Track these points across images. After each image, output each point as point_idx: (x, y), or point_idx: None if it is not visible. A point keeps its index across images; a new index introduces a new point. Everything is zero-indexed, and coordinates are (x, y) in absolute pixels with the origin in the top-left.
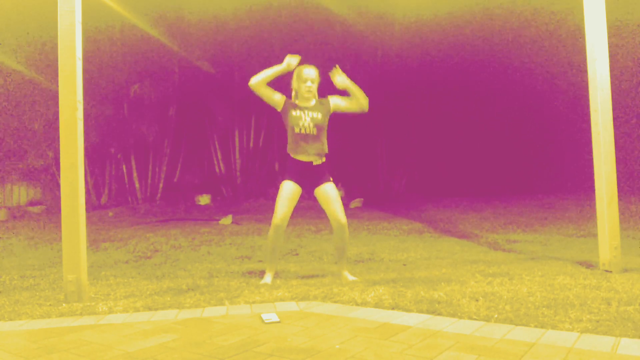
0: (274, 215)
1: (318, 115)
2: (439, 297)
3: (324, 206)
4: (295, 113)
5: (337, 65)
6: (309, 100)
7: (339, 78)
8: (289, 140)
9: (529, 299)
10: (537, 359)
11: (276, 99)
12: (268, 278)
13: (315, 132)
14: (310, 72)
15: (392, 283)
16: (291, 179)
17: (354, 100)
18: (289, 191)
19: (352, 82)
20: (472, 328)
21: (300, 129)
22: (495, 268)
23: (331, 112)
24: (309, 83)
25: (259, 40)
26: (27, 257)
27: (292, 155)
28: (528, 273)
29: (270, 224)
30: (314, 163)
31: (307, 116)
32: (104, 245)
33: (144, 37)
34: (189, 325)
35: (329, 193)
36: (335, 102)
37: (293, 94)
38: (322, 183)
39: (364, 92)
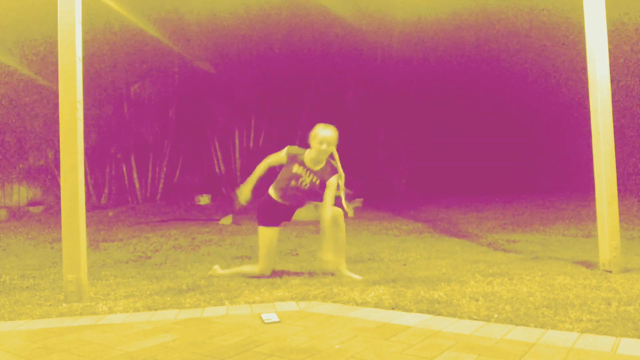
0: (260, 263)
1: (317, 181)
2: (439, 297)
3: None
4: (297, 169)
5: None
6: (320, 164)
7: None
8: (279, 184)
9: (529, 299)
10: (537, 359)
11: (280, 158)
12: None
13: (307, 189)
14: (328, 134)
15: (392, 283)
16: (267, 223)
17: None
18: (270, 240)
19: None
20: (472, 328)
21: (297, 184)
22: (495, 268)
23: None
24: (324, 146)
25: (258, 40)
26: (27, 257)
27: (273, 197)
28: (528, 273)
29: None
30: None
31: (308, 177)
32: (104, 245)
33: (143, 37)
34: (189, 325)
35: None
36: (331, 182)
37: (308, 150)
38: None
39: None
